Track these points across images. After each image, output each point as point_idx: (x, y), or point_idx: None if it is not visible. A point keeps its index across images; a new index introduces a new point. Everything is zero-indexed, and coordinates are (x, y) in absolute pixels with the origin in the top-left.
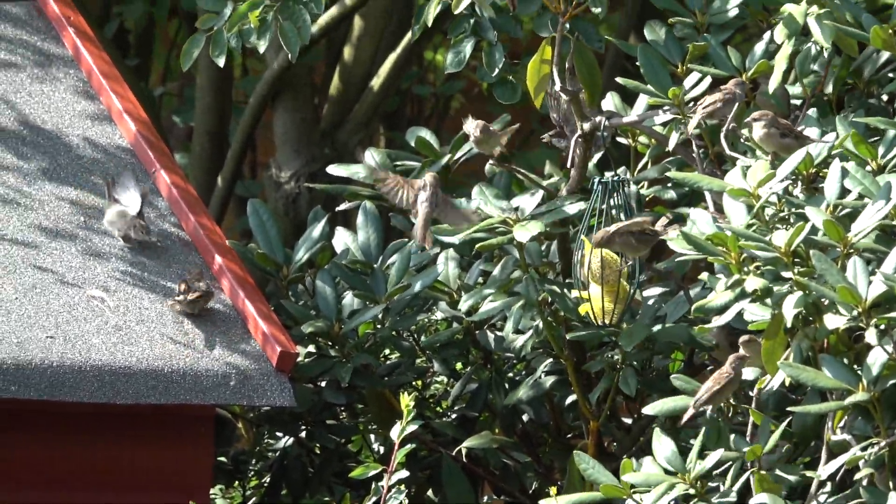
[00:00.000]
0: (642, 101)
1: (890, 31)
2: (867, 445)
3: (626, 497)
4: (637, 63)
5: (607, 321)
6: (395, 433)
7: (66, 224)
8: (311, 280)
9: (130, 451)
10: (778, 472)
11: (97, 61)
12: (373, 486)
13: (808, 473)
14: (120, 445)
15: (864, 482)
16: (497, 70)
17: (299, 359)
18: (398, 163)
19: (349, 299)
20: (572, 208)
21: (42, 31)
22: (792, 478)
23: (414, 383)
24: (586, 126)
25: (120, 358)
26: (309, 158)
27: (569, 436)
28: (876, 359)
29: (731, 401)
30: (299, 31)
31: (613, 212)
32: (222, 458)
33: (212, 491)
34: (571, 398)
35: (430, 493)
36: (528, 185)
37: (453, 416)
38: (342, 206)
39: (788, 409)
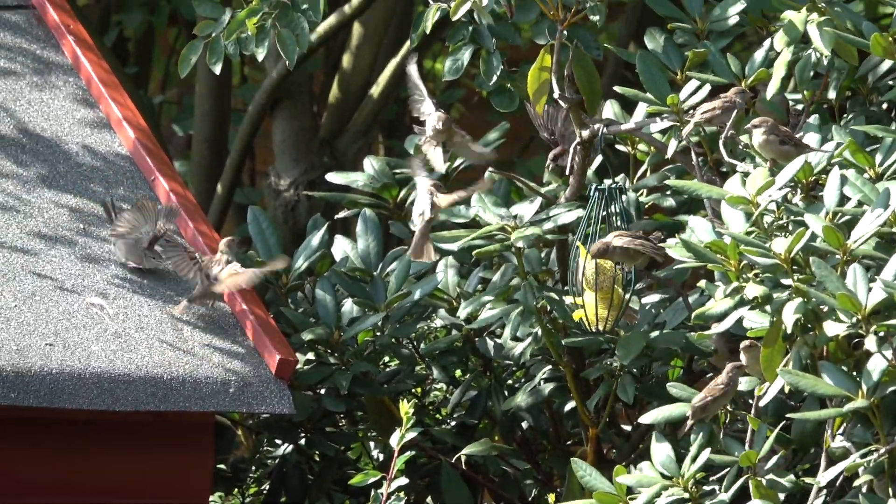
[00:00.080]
0: (641, 109)
1: (890, 38)
2: (867, 452)
3: (620, 502)
4: (637, 71)
5: (601, 328)
6: (395, 440)
7: (65, 231)
8: (310, 288)
9: (130, 458)
10: (772, 476)
11: (96, 69)
12: (372, 493)
13: (808, 480)
14: (119, 452)
15: (864, 489)
16: (495, 78)
17: (299, 366)
18: (397, 171)
19: (349, 307)
20: (570, 216)
21: (41, 39)
22: (787, 483)
23: (413, 391)
24: (585, 134)
25: (119, 365)
26: (308, 166)
27: (568, 443)
28: (875, 366)
29: (730, 408)
30: (297, 39)
31: (612, 219)
32: (221, 465)
33: (211, 498)
34: (570, 405)
35: (429, 500)
36: (527, 193)
37: (453, 423)
38: (341, 214)
39: (788, 416)
